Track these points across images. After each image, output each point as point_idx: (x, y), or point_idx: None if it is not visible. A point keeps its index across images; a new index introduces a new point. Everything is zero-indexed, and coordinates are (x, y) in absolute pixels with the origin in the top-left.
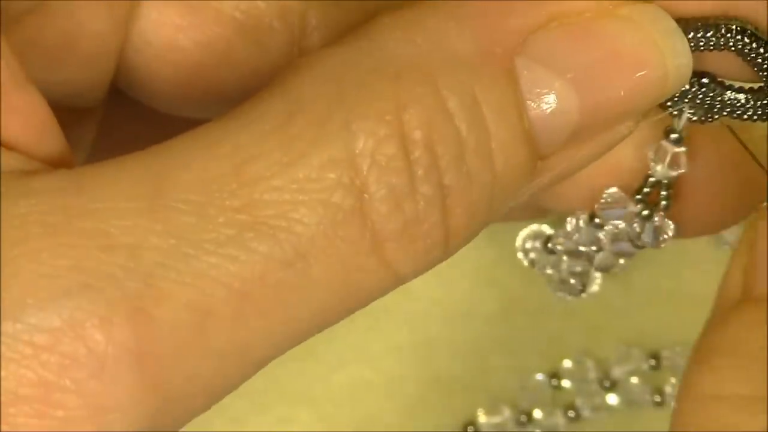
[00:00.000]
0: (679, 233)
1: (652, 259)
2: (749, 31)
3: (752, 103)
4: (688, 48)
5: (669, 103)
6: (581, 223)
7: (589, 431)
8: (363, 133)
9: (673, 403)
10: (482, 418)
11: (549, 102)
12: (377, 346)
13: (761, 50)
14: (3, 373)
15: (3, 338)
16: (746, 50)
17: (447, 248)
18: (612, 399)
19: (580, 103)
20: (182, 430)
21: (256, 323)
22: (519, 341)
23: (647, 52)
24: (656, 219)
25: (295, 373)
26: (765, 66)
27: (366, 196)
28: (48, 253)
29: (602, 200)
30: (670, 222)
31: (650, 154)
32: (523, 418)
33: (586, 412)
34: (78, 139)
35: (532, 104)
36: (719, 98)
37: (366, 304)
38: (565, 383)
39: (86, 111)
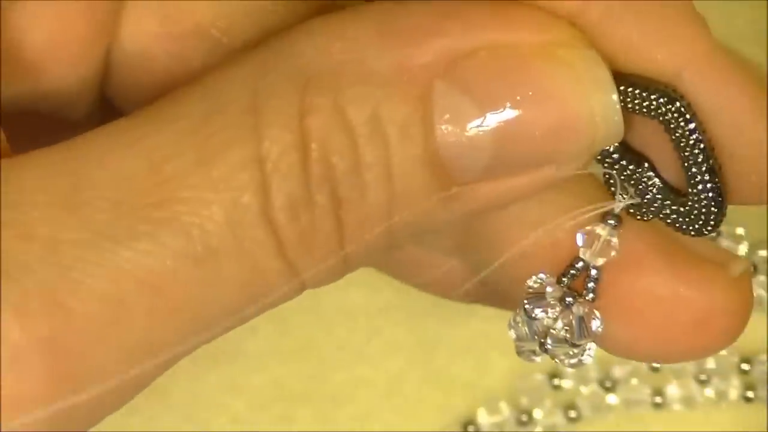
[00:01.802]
0: (601, 343)
1: None
2: (679, 104)
3: (676, 211)
4: (618, 100)
5: (608, 177)
6: (518, 318)
7: (589, 431)
8: (268, 139)
9: (674, 405)
10: (482, 417)
11: (461, 130)
12: (376, 344)
13: (686, 128)
14: None
15: None
16: (671, 125)
17: (346, 259)
18: (612, 399)
19: (493, 137)
20: (184, 429)
21: (167, 318)
22: None
23: (575, 99)
24: (579, 308)
25: (295, 372)
26: (685, 146)
27: (268, 200)
28: None
29: (528, 289)
30: (597, 312)
31: (579, 237)
32: (524, 417)
33: (586, 412)
34: None
35: (443, 129)
36: (650, 187)
37: (274, 306)
38: (566, 383)
39: (79, 123)
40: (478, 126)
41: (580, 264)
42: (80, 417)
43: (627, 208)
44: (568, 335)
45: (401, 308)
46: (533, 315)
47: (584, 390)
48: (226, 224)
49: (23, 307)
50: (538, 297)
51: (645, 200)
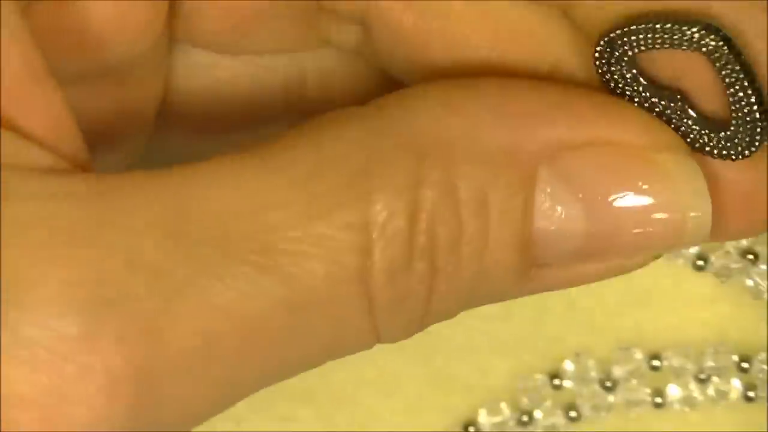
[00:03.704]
0: None
1: None
2: (723, 33)
3: (714, 139)
4: (710, 213)
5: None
6: None
7: (589, 431)
8: (380, 204)
9: (674, 405)
10: (483, 417)
11: (558, 220)
12: (378, 345)
13: (731, 56)
14: (14, 375)
15: (23, 341)
16: (716, 54)
17: (421, 326)
18: (613, 399)
19: (586, 230)
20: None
21: (254, 360)
22: (519, 341)
23: (671, 208)
24: None
25: None
26: (731, 72)
27: (370, 263)
28: (76, 262)
29: None
30: None
31: None
32: (525, 417)
33: (587, 412)
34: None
35: (541, 217)
36: (684, 119)
37: (341, 357)
38: (566, 383)
39: (139, 124)
40: (573, 217)
41: None
42: None
43: None
44: None
45: None
46: None
47: (585, 390)
48: (325, 280)
49: (125, 335)
50: None
51: (679, 134)
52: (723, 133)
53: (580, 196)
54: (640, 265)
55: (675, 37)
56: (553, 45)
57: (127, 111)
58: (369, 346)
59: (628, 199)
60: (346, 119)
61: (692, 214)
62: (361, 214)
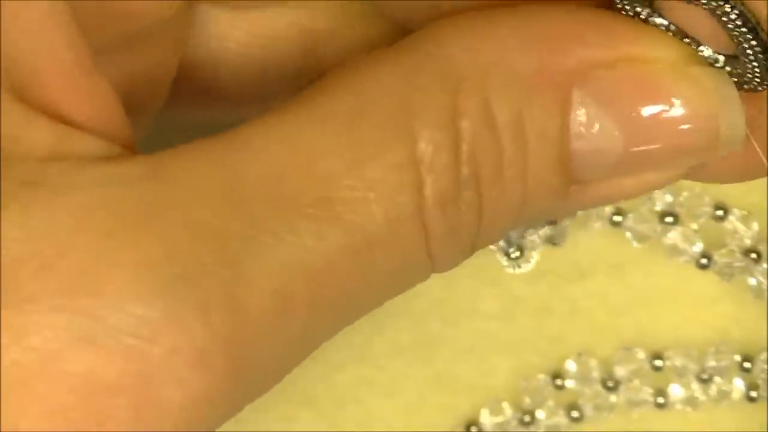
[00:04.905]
0: None
1: (652, 258)
2: None
3: (732, 75)
4: (744, 121)
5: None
6: None
7: (592, 431)
8: (424, 141)
9: (676, 405)
10: (485, 417)
11: (594, 139)
12: (379, 345)
13: (727, 10)
14: (102, 364)
15: (107, 329)
16: (713, 9)
17: (471, 252)
18: (615, 399)
19: (623, 147)
20: None
21: (326, 310)
22: (521, 341)
23: (704, 119)
24: None
25: (297, 373)
26: (726, 22)
27: (423, 198)
28: (145, 243)
29: None
30: None
31: None
32: (527, 417)
33: (589, 413)
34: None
35: (577, 137)
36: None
37: (401, 293)
38: (568, 383)
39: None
40: (609, 135)
41: None
42: (239, 408)
43: None
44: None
45: (403, 308)
46: None
47: (587, 390)
48: (384, 222)
49: (206, 307)
50: None
51: None
52: (737, 69)
53: (615, 113)
54: (678, 178)
55: None
56: None
57: (146, 79)
58: (426, 278)
59: (663, 112)
60: (381, 59)
61: (726, 121)
62: (407, 152)
